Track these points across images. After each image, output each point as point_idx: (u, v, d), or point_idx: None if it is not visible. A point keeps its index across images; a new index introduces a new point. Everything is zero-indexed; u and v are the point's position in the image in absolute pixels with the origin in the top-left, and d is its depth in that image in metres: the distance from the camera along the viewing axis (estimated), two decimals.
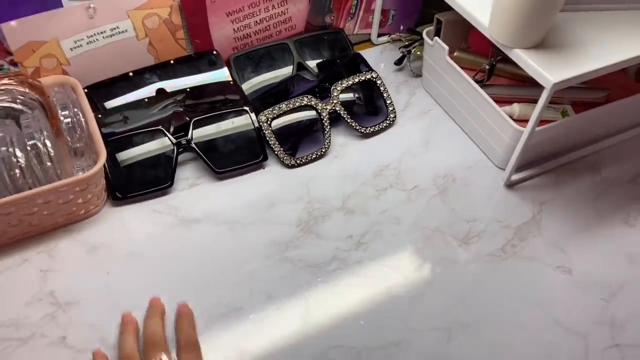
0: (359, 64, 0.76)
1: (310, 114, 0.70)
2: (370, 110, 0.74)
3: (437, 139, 0.72)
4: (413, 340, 0.53)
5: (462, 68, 0.69)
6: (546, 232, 0.62)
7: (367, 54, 0.82)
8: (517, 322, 0.55)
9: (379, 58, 0.83)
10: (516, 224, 0.63)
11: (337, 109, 0.70)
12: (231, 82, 0.72)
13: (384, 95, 0.73)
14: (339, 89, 0.70)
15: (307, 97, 0.68)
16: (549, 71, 0.55)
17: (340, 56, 0.77)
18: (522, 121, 0.65)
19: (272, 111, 0.67)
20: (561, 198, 0.66)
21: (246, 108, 0.67)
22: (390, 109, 0.73)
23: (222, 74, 0.72)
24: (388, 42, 0.85)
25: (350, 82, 0.71)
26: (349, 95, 0.74)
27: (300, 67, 0.76)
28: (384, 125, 0.72)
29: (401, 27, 0.85)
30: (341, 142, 0.71)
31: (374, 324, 0.54)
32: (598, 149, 0.71)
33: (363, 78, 0.72)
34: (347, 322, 0.54)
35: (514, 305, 0.56)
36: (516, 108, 0.67)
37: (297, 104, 0.68)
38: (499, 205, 0.65)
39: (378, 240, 0.61)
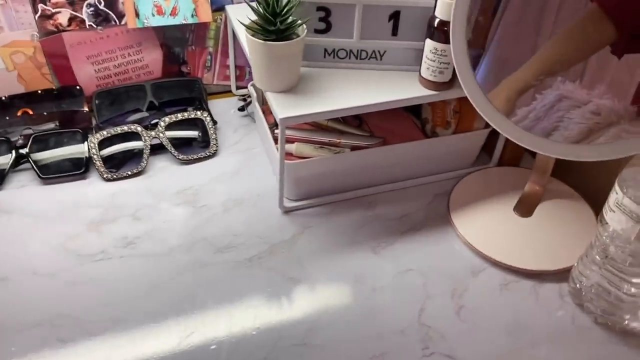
0: (200, 106, 0.91)
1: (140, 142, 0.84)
2: (199, 143, 0.87)
3: (246, 171, 0.84)
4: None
5: None
6: (296, 250, 0.72)
7: (226, 102, 0.97)
8: (220, 313, 0.64)
9: (234, 105, 0.97)
10: (274, 241, 0.73)
11: (160, 137, 0.83)
12: (85, 111, 0.87)
13: (210, 132, 0.87)
14: (166, 121, 0.84)
15: (134, 125, 0.83)
16: (280, 109, 0.67)
17: (182, 99, 0.92)
18: (305, 158, 0.77)
19: (101, 133, 0.82)
20: (327, 225, 0.75)
21: (80, 130, 0.82)
22: (213, 143, 0.86)
23: (80, 106, 0.88)
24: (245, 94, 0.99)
25: (179, 118, 0.85)
26: (182, 130, 0.87)
27: (153, 105, 0.91)
28: (202, 156, 0.85)
29: None
30: (161, 166, 0.84)
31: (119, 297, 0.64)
32: (376, 191, 0.80)
33: (191, 116, 0.86)
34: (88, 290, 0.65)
35: (223, 302, 0.65)
36: (293, 146, 0.78)
37: (124, 129, 0.82)
38: (268, 226, 0.75)
39: (147, 242, 0.72)
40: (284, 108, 0.67)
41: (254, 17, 0.66)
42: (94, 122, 0.88)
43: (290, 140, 0.79)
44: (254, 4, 0.65)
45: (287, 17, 0.66)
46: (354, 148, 0.79)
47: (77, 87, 0.89)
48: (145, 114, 0.90)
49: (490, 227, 0.74)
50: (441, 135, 0.82)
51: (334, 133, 0.80)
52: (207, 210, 0.77)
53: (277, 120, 0.67)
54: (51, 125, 0.87)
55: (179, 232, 0.74)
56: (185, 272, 0.68)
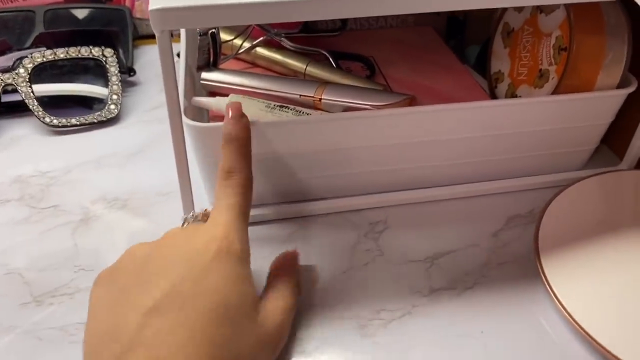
0: (119, 47, 0.55)
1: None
2: (91, 101, 0.51)
3: (155, 152, 0.47)
4: None
5: None
6: None
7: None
8: None
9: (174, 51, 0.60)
10: None
11: (18, 85, 0.47)
12: None
13: (111, 83, 0.50)
14: (35, 60, 0.48)
15: None
16: None
17: (88, 30, 0.56)
18: None
19: None
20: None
21: None
22: (112, 102, 0.50)
23: None
24: None
25: (59, 57, 0.49)
26: (65, 78, 0.51)
27: (44, 40, 0.56)
28: (86, 122, 0.49)
29: None
30: (20, 134, 0.48)
31: None
32: (388, 202, 0.40)
33: (82, 54, 0.50)
34: None
35: None
36: (224, 100, 0.39)
37: None
38: None
39: None
40: None
41: None
42: None
43: (222, 92, 0.41)
44: None
45: None
46: (351, 109, 0.40)
47: None
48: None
49: (609, 292, 0.33)
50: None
51: (312, 79, 0.41)
52: (51, 215, 0.40)
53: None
54: None
55: None
56: None
